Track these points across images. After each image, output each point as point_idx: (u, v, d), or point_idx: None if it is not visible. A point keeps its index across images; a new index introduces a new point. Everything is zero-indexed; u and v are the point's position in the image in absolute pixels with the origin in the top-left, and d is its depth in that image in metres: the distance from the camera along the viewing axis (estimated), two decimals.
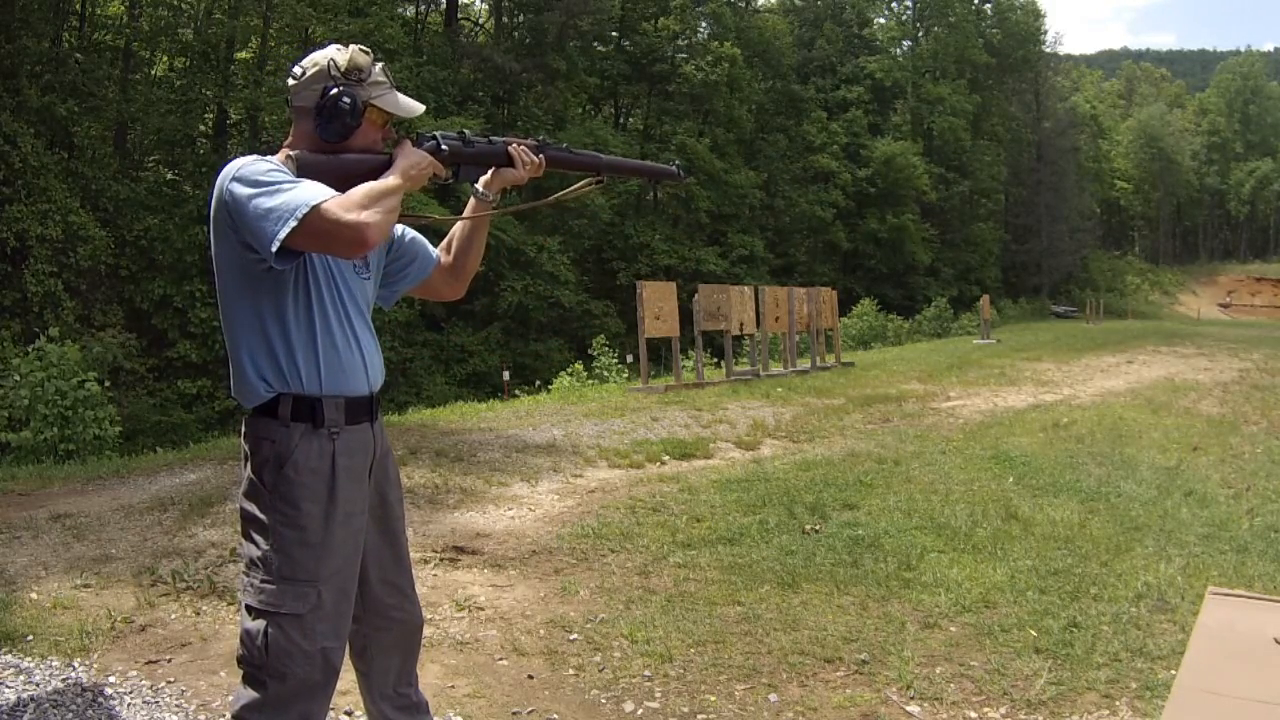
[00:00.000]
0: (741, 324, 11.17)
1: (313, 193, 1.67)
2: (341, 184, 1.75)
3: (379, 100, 1.85)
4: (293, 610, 1.75)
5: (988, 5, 46.86)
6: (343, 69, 1.81)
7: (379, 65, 1.86)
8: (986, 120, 44.40)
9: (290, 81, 1.87)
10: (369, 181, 1.77)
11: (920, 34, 45.17)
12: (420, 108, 1.95)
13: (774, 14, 41.46)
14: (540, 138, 2.15)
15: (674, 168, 2.37)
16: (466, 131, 2.02)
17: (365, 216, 1.67)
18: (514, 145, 2.04)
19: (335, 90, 1.80)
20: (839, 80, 41.51)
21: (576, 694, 2.83)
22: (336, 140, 1.83)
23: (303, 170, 1.78)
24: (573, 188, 2.23)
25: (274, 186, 1.67)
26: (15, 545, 4.13)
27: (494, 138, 2.07)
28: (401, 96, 1.90)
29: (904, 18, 45.77)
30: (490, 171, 2.06)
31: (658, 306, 9.88)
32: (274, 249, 1.64)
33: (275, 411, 1.78)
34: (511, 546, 4.33)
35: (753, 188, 33.82)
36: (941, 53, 43.32)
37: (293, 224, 1.63)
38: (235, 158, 1.82)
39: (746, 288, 12.05)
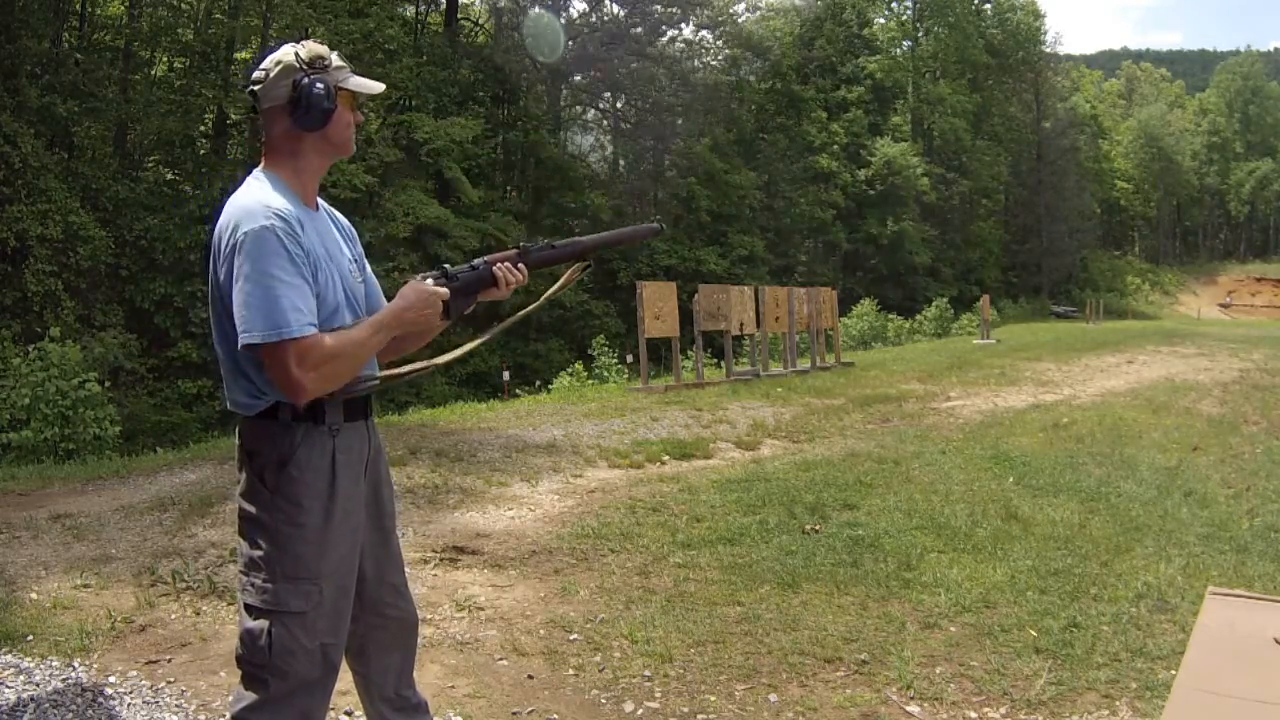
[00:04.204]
0: (741, 324, 11.17)
1: (295, 320, 1.69)
2: None
3: (346, 84, 1.89)
4: (296, 609, 1.77)
5: (987, 5, 46.87)
6: (308, 60, 1.85)
7: (335, 53, 1.90)
8: (987, 120, 44.43)
9: (255, 87, 1.87)
10: (362, 325, 1.81)
11: (920, 34, 45.18)
12: (380, 86, 1.98)
13: (774, 14, 41.49)
14: (522, 244, 2.08)
15: (657, 224, 2.38)
16: (447, 266, 1.98)
17: (310, 382, 1.71)
18: (498, 265, 2.01)
19: (306, 79, 1.83)
20: (839, 80, 41.51)
21: (576, 694, 2.83)
22: (316, 128, 1.84)
23: None
24: (561, 281, 2.20)
25: (274, 282, 1.69)
26: (15, 545, 4.14)
27: (475, 261, 2.02)
28: (363, 78, 1.94)
29: (904, 18, 45.79)
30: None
31: (658, 306, 9.88)
32: (239, 345, 1.71)
33: (275, 414, 1.79)
34: (511, 546, 4.33)
35: (753, 188, 33.81)
36: (942, 53, 43.34)
37: (257, 339, 1.68)
38: (250, 179, 1.83)
39: (746, 288, 12.03)
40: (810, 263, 37.08)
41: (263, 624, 1.76)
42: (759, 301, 11.63)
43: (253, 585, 1.78)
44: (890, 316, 29.28)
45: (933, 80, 43.10)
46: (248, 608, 1.79)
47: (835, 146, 37.81)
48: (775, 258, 35.03)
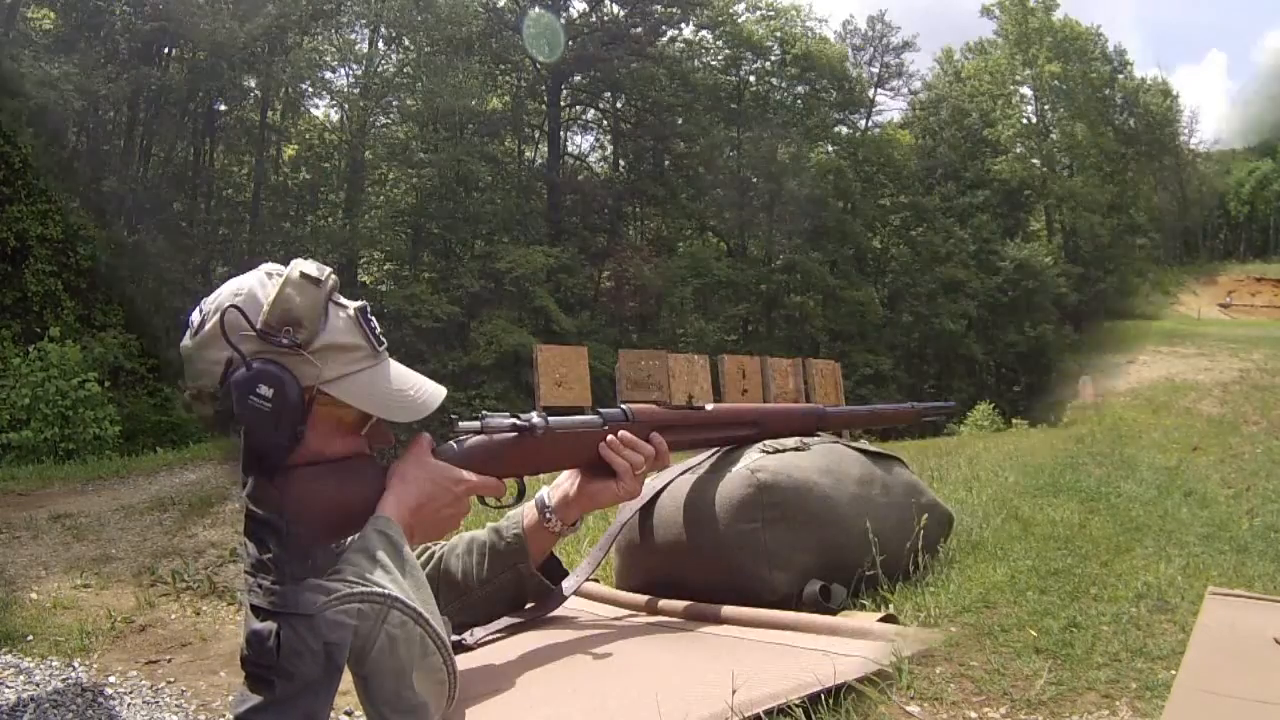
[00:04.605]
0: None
1: None
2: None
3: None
4: (306, 610, 1.76)
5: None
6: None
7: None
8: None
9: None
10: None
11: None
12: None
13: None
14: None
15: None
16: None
17: None
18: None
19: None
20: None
21: None
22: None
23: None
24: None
25: None
26: (15, 545, 4.14)
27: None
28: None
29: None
30: None
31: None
32: None
33: None
34: None
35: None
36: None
37: None
38: None
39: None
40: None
41: (270, 626, 1.75)
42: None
43: (260, 587, 1.77)
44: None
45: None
46: (255, 609, 1.78)
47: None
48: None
